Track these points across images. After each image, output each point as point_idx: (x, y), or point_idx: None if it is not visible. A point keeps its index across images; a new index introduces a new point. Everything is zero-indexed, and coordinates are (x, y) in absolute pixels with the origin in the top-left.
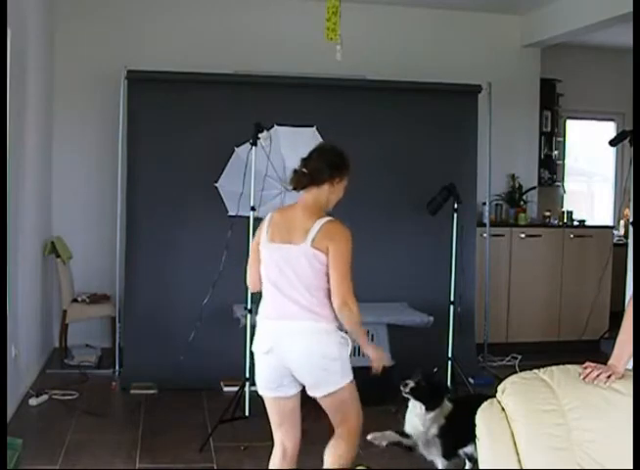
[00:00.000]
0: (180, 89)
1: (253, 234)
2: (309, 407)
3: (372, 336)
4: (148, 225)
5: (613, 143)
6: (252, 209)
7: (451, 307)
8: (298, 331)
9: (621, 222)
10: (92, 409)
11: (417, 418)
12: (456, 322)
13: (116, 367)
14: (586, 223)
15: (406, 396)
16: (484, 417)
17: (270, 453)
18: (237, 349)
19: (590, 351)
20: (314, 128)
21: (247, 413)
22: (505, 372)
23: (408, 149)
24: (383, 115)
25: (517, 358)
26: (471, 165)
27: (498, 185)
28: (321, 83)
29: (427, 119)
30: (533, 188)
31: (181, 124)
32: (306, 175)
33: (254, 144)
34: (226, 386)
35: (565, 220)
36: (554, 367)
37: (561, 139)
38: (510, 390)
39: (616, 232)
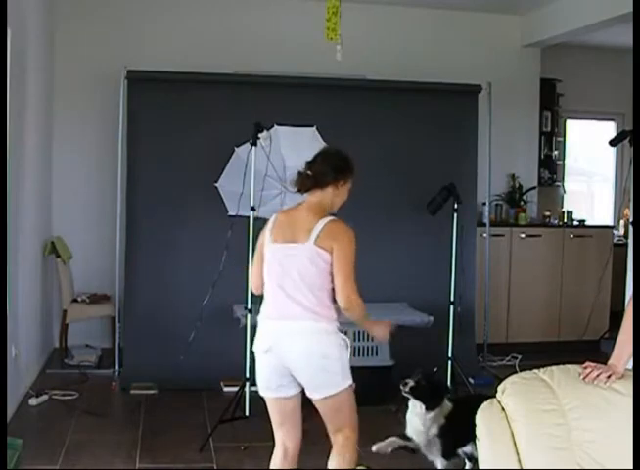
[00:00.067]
0: (180, 89)
1: (254, 234)
2: (310, 408)
3: (372, 336)
4: (148, 225)
5: (613, 143)
6: (252, 209)
7: (451, 307)
8: (298, 331)
9: (621, 222)
10: (92, 409)
11: (417, 418)
12: (456, 322)
13: (116, 367)
14: (586, 223)
15: (406, 395)
16: (484, 417)
17: (270, 453)
18: (237, 349)
19: (590, 351)
20: (314, 128)
21: (247, 413)
22: (505, 372)
23: (408, 149)
24: (383, 115)
25: (517, 358)
26: (471, 165)
27: (498, 185)
28: (321, 83)
29: (427, 119)
30: (533, 188)
31: (181, 124)
32: (311, 178)
33: (254, 144)
34: (226, 386)
35: (565, 220)
36: (554, 367)
37: (561, 139)
38: (510, 390)
39: (616, 232)
